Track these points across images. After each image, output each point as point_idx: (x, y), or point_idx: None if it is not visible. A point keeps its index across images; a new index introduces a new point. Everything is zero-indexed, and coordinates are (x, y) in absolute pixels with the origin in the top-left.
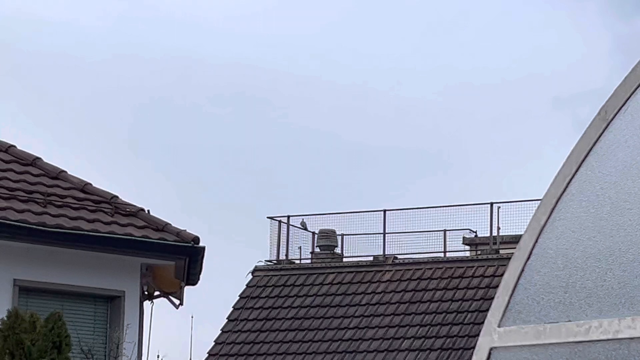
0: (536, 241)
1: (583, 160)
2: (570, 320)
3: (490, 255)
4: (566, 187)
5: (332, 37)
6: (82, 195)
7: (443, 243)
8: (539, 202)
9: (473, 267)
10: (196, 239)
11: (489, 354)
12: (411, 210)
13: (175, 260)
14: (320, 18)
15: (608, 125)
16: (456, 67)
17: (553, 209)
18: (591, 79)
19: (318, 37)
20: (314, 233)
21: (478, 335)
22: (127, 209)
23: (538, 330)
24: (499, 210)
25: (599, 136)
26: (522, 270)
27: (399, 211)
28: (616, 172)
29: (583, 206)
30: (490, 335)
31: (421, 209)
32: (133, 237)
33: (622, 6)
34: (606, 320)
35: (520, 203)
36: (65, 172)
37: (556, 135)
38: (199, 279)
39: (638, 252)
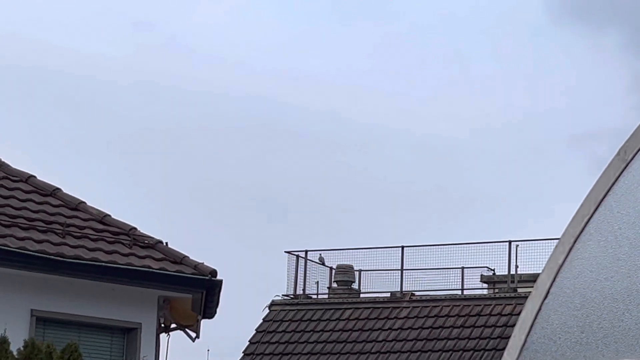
0: (554, 280)
1: (602, 201)
2: None
3: (508, 293)
4: (584, 227)
5: (353, 74)
6: (100, 226)
7: (461, 280)
8: (557, 241)
9: (491, 305)
10: (214, 272)
11: None
12: (429, 247)
13: (193, 293)
14: (339, 54)
15: (627, 165)
16: (475, 106)
17: (571, 248)
18: (610, 117)
19: (340, 74)
20: (331, 268)
21: None
22: (146, 241)
23: None
24: (517, 249)
25: (618, 176)
26: (539, 309)
27: (417, 248)
28: (635, 213)
29: (601, 246)
30: None
31: (439, 246)
32: (151, 269)
33: None
34: None
35: (538, 242)
36: (85, 203)
37: (573, 173)
38: (215, 312)
39: None
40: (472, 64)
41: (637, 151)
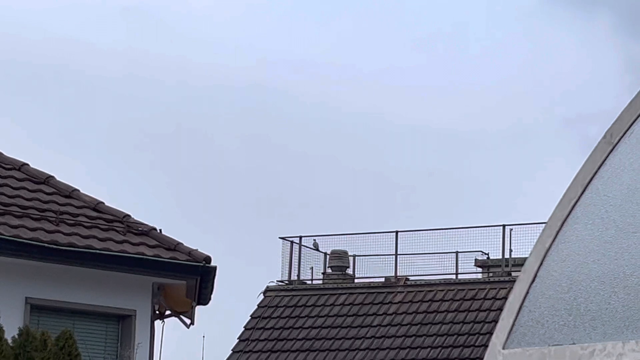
0: (541, 264)
1: (588, 184)
2: (574, 343)
3: (502, 277)
4: (571, 210)
5: (344, 60)
6: (94, 214)
7: (455, 265)
8: (545, 225)
9: (485, 289)
10: (208, 259)
11: None
12: (423, 232)
13: (187, 280)
14: (332, 40)
15: (613, 148)
16: (466, 89)
17: (558, 232)
18: (602, 99)
19: (332, 59)
20: (325, 254)
21: None
22: (139, 228)
23: (542, 352)
24: (511, 232)
25: (604, 159)
26: (527, 292)
27: (411, 232)
28: (621, 195)
29: (588, 229)
30: (495, 358)
31: (433, 231)
32: (145, 257)
33: (633, 26)
34: (610, 343)
35: (532, 225)
36: (78, 190)
37: (566, 156)
38: (210, 299)
39: None
40: (463, 48)
41: (624, 134)
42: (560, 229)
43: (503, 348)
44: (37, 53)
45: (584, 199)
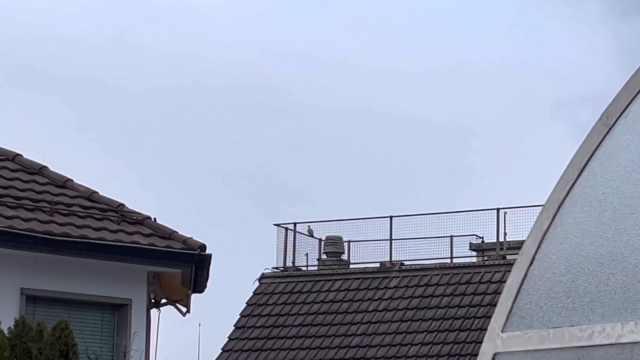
0: (539, 247)
1: (585, 166)
2: (573, 325)
3: (497, 261)
4: (568, 192)
5: (339, 43)
6: (88, 203)
7: (450, 249)
8: (542, 207)
9: (480, 272)
10: (203, 247)
11: (493, 359)
12: (418, 216)
13: (182, 268)
14: (325, 28)
15: (609, 130)
16: (458, 74)
17: (555, 214)
18: (593, 81)
19: (326, 43)
20: (320, 240)
21: None
22: (134, 217)
23: (541, 335)
24: (506, 216)
25: (601, 141)
26: (525, 276)
27: (406, 217)
28: (618, 177)
29: (585, 211)
30: (494, 341)
31: (428, 215)
32: (140, 245)
33: (623, 7)
34: (609, 325)
35: (526, 208)
36: (72, 180)
37: (558, 137)
38: (205, 287)
39: None
40: (452, 31)
41: (620, 116)
42: (557, 211)
43: (502, 331)
44: (24, 44)
45: (581, 181)
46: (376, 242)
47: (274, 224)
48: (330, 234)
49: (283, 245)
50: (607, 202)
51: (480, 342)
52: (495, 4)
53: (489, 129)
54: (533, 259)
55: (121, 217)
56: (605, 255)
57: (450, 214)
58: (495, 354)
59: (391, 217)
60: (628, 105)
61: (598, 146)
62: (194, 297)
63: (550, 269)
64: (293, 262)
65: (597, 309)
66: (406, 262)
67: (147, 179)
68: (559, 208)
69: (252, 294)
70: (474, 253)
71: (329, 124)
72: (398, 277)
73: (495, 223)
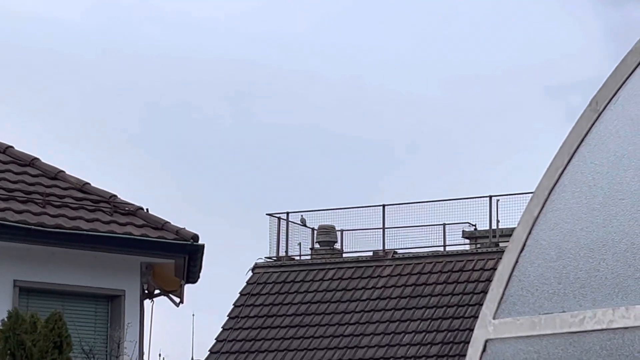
0: (529, 233)
1: (575, 152)
2: (564, 311)
3: (490, 248)
4: (558, 178)
5: (325, 32)
6: (80, 194)
7: (443, 237)
8: (532, 194)
9: (473, 260)
10: (195, 237)
11: (485, 345)
12: (410, 204)
13: (175, 259)
14: (314, 13)
15: (599, 116)
16: (450, 60)
17: (546, 200)
18: (584, 68)
19: (311, 32)
20: (313, 229)
21: None
22: (126, 208)
23: (533, 321)
24: (498, 203)
25: (590, 127)
26: (516, 262)
27: (398, 206)
28: (608, 163)
29: (575, 197)
30: (486, 328)
31: (420, 203)
32: (132, 236)
33: None
34: (600, 310)
35: (519, 196)
36: (64, 172)
37: (550, 124)
38: (199, 277)
39: (631, 242)
40: (443, 20)
41: (609, 101)
42: (547, 197)
43: (493, 318)
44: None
45: (571, 167)
46: (369, 230)
47: (267, 214)
48: (323, 223)
49: (276, 234)
50: (597, 188)
51: (474, 330)
52: None
53: (481, 115)
54: (524, 245)
55: (113, 208)
56: (595, 240)
57: (443, 202)
58: (487, 341)
59: (384, 205)
60: (617, 91)
61: (588, 132)
62: (187, 288)
63: (541, 255)
64: (286, 252)
65: (588, 295)
66: (399, 251)
67: (138, 169)
68: (549, 194)
69: (245, 283)
70: (467, 241)
71: (320, 112)
72: (391, 265)
73: (488, 210)
